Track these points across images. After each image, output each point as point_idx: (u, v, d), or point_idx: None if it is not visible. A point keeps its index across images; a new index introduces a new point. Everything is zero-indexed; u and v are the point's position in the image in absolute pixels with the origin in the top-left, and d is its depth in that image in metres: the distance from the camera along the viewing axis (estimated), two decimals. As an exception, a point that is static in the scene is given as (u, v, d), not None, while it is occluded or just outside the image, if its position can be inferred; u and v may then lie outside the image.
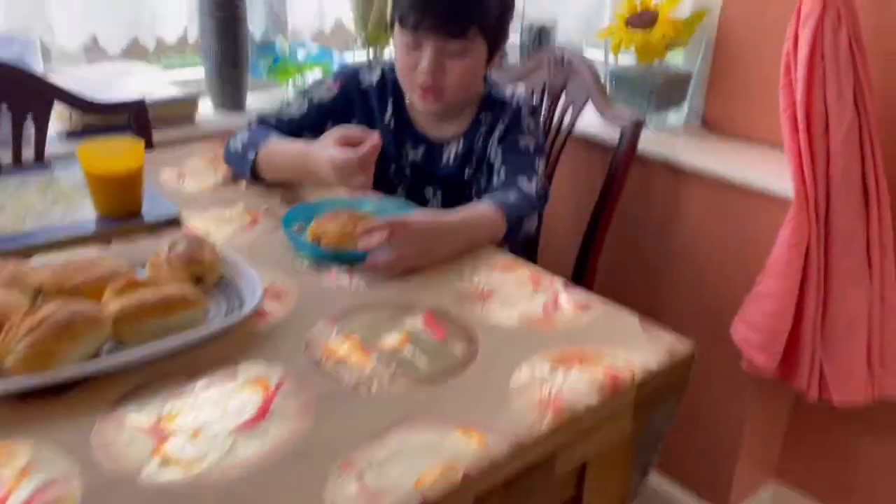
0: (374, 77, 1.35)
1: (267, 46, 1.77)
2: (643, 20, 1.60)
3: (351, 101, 1.35)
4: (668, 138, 1.63)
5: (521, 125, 1.32)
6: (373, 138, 1.10)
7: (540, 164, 1.30)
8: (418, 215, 1.05)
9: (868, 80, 1.33)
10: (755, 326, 1.39)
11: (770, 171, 1.43)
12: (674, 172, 1.56)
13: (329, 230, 1.01)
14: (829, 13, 1.31)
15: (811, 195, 1.33)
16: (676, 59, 1.72)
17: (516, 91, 1.37)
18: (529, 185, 1.23)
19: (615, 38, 1.61)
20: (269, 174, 1.26)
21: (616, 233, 1.61)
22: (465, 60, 1.21)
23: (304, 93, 1.36)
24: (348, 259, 1.00)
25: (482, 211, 1.13)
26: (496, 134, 1.32)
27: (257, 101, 1.70)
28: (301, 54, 1.76)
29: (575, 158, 1.76)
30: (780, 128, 1.36)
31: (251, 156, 1.25)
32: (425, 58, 1.20)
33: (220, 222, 1.12)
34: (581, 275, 1.53)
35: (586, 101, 1.53)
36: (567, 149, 1.62)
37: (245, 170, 1.26)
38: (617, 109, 1.46)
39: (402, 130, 1.35)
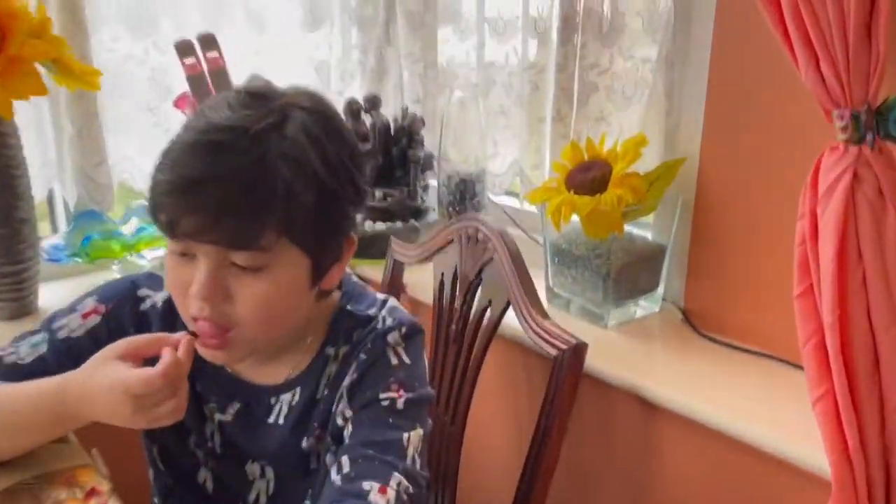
0: (161, 294, 0.87)
1: (89, 215, 1.30)
2: (590, 179, 1.13)
3: (121, 333, 0.86)
4: (631, 344, 1.13)
5: (389, 365, 0.83)
6: (178, 343, 0.73)
7: (413, 438, 0.79)
8: None
9: (934, 283, 0.84)
10: None
11: (790, 418, 0.92)
12: (640, 402, 1.05)
13: None
14: (863, 184, 0.83)
15: (860, 477, 0.81)
16: (646, 221, 1.25)
17: (387, 304, 0.88)
18: (382, 496, 0.73)
19: (552, 204, 1.14)
20: None
21: (568, 469, 1.10)
22: (264, 280, 0.73)
23: (46, 322, 0.88)
24: None
25: None
26: (347, 380, 0.83)
27: (61, 298, 1.21)
28: (132, 227, 1.30)
29: (508, 360, 1.26)
30: (795, 334, 0.87)
31: None
32: (197, 277, 0.72)
33: None
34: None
35: (507, 304, 1.04)
36: (497, 347, 1.13)
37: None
38: (549, 326, 0.97)
39: (205, 378, 0.86)
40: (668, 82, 1.16)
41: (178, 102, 1.32)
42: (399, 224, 1.46)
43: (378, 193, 1.48)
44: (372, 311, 0.87)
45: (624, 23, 1.19)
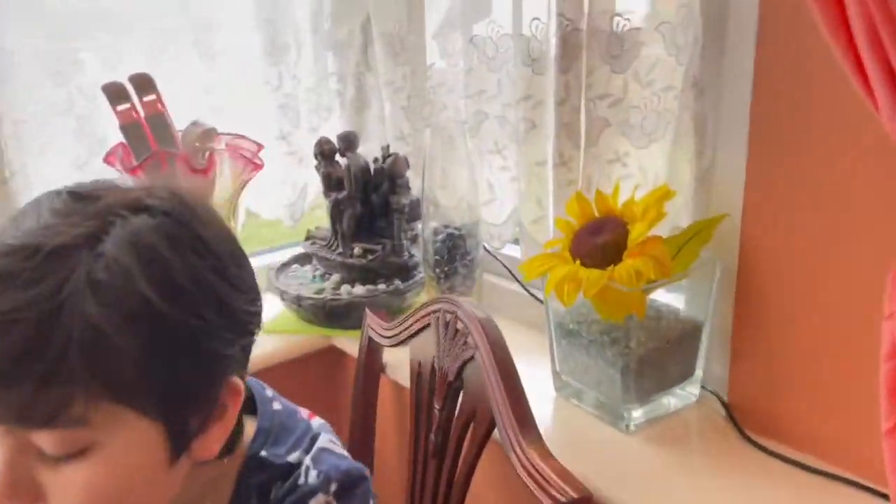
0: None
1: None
2: (600, 246, 0.88)
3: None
4: (660, 456, 0.88)
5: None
6: None
7: None
8: None
9: None
10: None
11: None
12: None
13: None
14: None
15: None
16: (675, 288, 0.99)
17: (316, 445, 0.66)
18: None
19: (552, 278, 0.89)
20: None
21: None
22: (89, 465, 0.50)
23: None
24: None
25: None
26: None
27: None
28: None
29: (501, 478, 1.02)
30: (877, 445, 0.62)
31: None
32: None
33: None
34: None
35: (491, 424, 0.80)
36: (488, 459, 0.89)
37: None
38: (544, 467, 0.72)
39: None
40: (698, 114, 0.91)
41: (109, 157, 1.11)
42: (382, 286, 1.23)
43: (356, 249, 1.25)
44: (294, 457, 0.65)
45: (639, 41, 0.94)
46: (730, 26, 0.87)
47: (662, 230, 0.91)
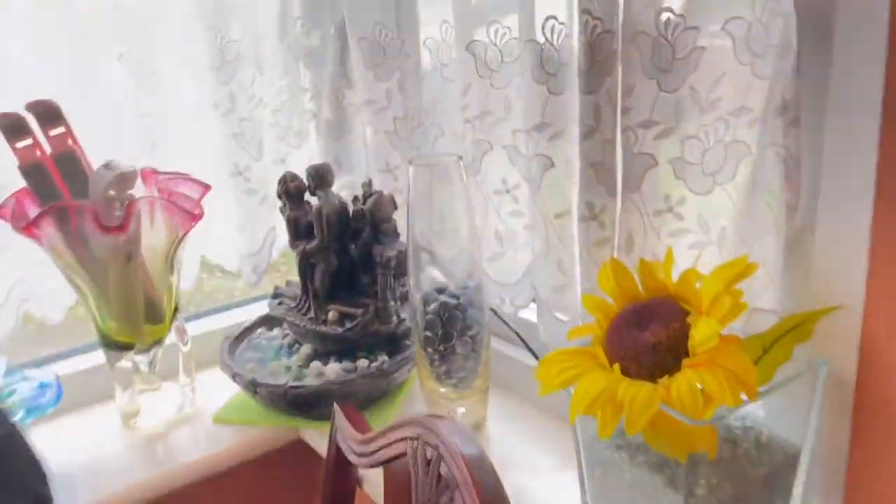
0: None
1: None
2: (650, 346, 0.60)
3: None
4: None
5: None
6: None
7: None
8: None
9: None
10: None
11: None
12: None
13: None
14: None
15: None
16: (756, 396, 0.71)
17: None
18: None
19: (581, 394, 0.61)
20: None
21: None
22: None
23: None
24: None
25: None
26: None
27: None
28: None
29: None
30: None
31: None
32: None
33: None
34: None
35: None
36: None
37: None
38: None
39: None
40: (789, 151, 0.63)
41: (1, 210, 0.86)
42: (363, 361, 0.97)
43: (331, 314, 0.99)
44: None
45: (697, 45, 0.65)
46: (838, 21, 0.59)
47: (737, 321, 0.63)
